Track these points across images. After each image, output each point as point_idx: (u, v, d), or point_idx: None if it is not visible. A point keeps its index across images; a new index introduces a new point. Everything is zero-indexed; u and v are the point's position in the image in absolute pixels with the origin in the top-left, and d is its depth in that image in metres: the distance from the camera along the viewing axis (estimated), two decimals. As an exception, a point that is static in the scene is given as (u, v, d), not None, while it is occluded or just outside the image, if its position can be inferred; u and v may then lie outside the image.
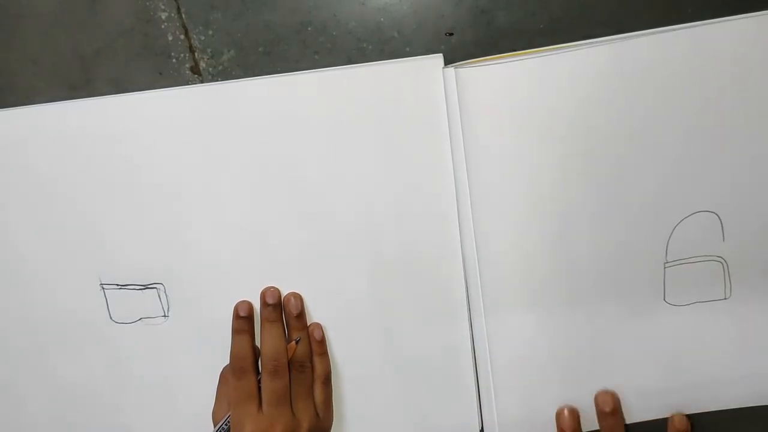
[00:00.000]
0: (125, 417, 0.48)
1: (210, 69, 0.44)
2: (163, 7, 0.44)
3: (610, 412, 0.43)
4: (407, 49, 0.43)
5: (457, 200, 0.43)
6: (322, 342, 0.45)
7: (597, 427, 0.44)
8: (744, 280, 0.42)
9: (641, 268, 0.42)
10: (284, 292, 0.45)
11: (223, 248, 0.45)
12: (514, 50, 0.41)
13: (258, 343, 0.45)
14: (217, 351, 0.45)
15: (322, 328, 0.45)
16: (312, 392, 0.44)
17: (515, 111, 0.41)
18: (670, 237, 0.42)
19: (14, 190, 0.46)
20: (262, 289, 0.45)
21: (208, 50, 0.44)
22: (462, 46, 0.42)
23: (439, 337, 0.45)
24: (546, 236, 0.42)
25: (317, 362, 0.45)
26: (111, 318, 0.47)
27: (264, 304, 0.44)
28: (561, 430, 0.44)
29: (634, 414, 0.44)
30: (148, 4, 0.44)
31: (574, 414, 0.44)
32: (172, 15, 0.44)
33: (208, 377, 0.46)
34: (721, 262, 0.42)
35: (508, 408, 0.45)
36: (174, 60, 0.45)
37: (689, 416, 0.44)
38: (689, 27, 0.39)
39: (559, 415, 0.44)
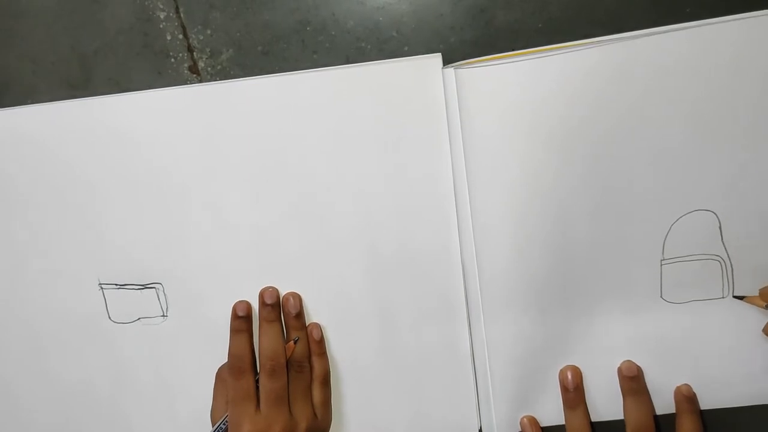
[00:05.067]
0: (124, 416, 0.48)
1: (209, 68, 0.44)
2: (161, 6, 0.44)
3: (633, 378, 0.43)
4: (406, 48, 0.43)
5: (455, 200, 0.43)
6: (321, 342, 0.45)
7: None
8: (743, 280, 0.42)
9: (638, 264, 0.42)
10: (283, 292, 0.45)
11: (222, 248, 0.45)
12: (513, 50, 0.41)
13: (256, 342, 0.45)
14: (215, 351, 0.45)
15: (320, 328, 0.45)
16: (310, 392, 0.44)
17: (514, 111, 0.41)
18: (667, 234, 0.42)
19: (13, 190, 0.46)
20: (261, 288, 0.45)
21: (207, 50, 0.44)
22: (460, 45, 0.42)
23: (437, 336, 0.45)
24: (544, 234, 0.42)
25: (316, 362, 0.45)
26: (110, 318, 0.47)
27: (263, 303, 0.44)
28: (564, 387, 0.44)
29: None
30: (146, 3, 0.44)
31: (577, 371, 0.44)
32: (171, 14, 0.44)
33: (207, 377, 0.46)
34: (719, 261, 0.42)
35: (506, 406, 0.45)
36: (173, 59, 0.45)
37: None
38: (688, 27, 0.39)
39: (562, 373, 0.44)
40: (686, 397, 0.43)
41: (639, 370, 0.43)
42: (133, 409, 0.48)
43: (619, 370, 0.43)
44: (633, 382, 0.43)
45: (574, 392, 0.43)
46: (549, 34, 0.41)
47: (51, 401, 0.49)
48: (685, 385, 0.43)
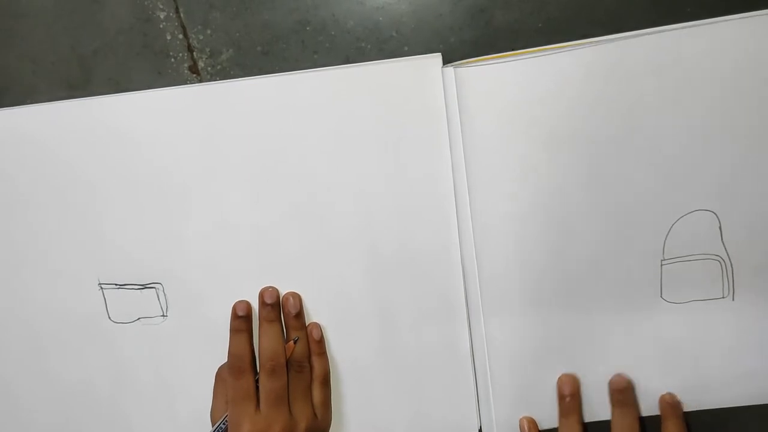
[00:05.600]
0: (124, 416, 0.48)
1: (208, 68, 0.45)
2: (161, 6, 0.44)
3: (621, 390, 0.43)
4: (406, 48, 0.43)
5: (455, 200, 0.43)
6: (321, 342, 0.45)
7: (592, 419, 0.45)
8: (743, 280, 0.42)
9: (638, 264, 0.42)
10: (283, 292, 0.45)
11: (222, 248, 0.45)
12: (513, 50, 0.41)
13: (256, 342, 0.45)
14: (215, 350, 0.45)
15: (320, 327, 0.45)
16: (310, 392, 0.44)
17: (514, 111, 0.41)
18: (667, 234, 0.42)
19: (13, 190, 0.46)
20: (261, 288, 0.45)
21: (207, 50, 0.44)
22: (460, 45, 0.42)
23: (437, 336, 0.45)
24: (544, 234, 0.42)
25: (316, 362, 0.45)
26: (110, 318, 0.47)
27: (262, 303, 0.44)
28: (560, 395, 0.44)
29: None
30: (146, 3, 0.44)
31: (573, 380, 0.44)
32: (171, 14, 0.44)
33: (207, 376, 0.46)
34: (719, 261, 0.42)
35: (506, 406, 0.45)
36: (172, 59, 0.45)
37: (686, 414, 0.44)
38: (687, 27, 0.39)
39: (558, 381, 0.44)
40: (670, 404, 0.43)
41: (629, 383, 0.43)
42: (133, 409, 0.48)
43: (610, 383, 0.44)
44: (621, 394, 0.43)
45: (569, 400, 0.43)
46: (548, 34, 0.41)
47: (51, 401, 0.49)
48: (668, 393, 0.44)
